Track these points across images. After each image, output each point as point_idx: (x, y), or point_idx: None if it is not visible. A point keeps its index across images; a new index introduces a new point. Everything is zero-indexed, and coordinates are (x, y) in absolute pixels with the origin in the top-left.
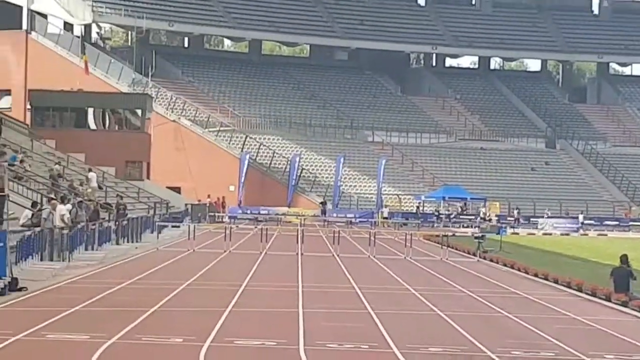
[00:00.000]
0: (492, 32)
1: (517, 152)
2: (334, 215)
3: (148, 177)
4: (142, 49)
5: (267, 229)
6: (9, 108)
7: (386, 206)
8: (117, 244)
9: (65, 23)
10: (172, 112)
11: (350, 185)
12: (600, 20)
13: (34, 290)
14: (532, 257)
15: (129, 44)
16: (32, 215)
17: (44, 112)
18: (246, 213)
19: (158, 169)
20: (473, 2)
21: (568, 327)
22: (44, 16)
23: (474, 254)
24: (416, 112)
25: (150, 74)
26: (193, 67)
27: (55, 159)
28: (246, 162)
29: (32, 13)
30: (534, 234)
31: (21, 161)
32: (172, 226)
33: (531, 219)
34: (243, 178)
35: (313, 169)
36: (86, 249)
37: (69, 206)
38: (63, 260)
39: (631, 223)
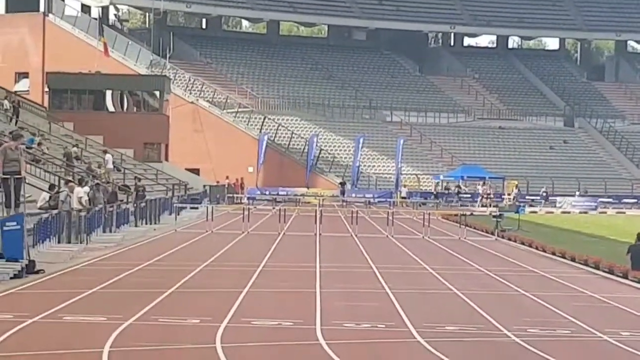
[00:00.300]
0: (510, 10)
1: (536, 130)
2: (353, 195)
3: (166, 159)
4: (159, 30)
5: (285, 209)
6: (27, 91)
7: (405, 186)
8: (136, 225)
9: (83, 5)
10: (190, 93)
11: (369, 166)
12: None
13: (51, 273)
14: (550, 236)
15: (147, 25)
16: (50, 197)
17: (62, 94)
18: (265, 194)
19: (176, 151)
20: None
21: (585, 304)
22: None
23: (492, 233)
24: (435, 91)
25: (168, 55)
26: (211, 49)
27: (73, 142)
28: (264, 143)
29: None
30: (552, 212)
31: (39, 144)
32: (191, 207)
33: (549, 198)
34: (262, 159)
35: (331, 150)
36: (104, 231)
37: (86, 188)
38: (80, 243)
39: None
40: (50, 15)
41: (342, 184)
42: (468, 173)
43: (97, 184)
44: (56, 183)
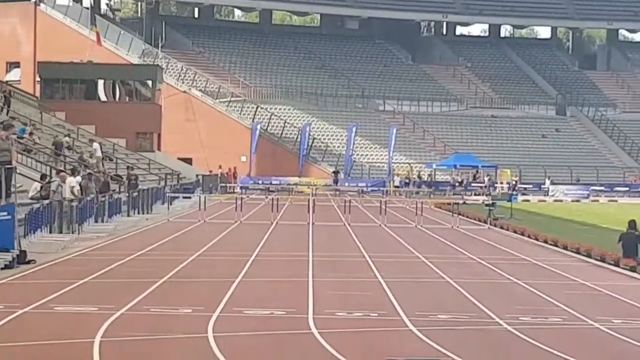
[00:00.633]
0: None
1: (528, 119)
2: (346, 184)
3: (159, 149)
4: (152, 19)
5: (278, 199)
6: (18, 80)
7: (398, 175)
8: (128, 215)
9: None
10: (183, 83)
11: (362, 155)
12: None
13: (42, 263)
14: (542, 224)
15: (139, 15)
16: (41, 187)
17: (54, 84)
18: (257, 183)
19: (169, 140)
20: None
21: (576, 292)
22: None
23: (485, 222)
24: (427, 80)
25: (160, 45)
26: (203, 38)
27: (65, 131)
28: (257, 132)
29: None
30: (544, 201)
31: (30, 133)
32: (183, 197)
33: (542, 186)
34: (254, 148)
35: (324, 139)
36: (96, 221)
37: (78, 178)
38: (72, 233)
39: None
40: (41, 4)
41: (336, 172)
42: (461, 162)
43: (90, 173)
44: (47, 173)
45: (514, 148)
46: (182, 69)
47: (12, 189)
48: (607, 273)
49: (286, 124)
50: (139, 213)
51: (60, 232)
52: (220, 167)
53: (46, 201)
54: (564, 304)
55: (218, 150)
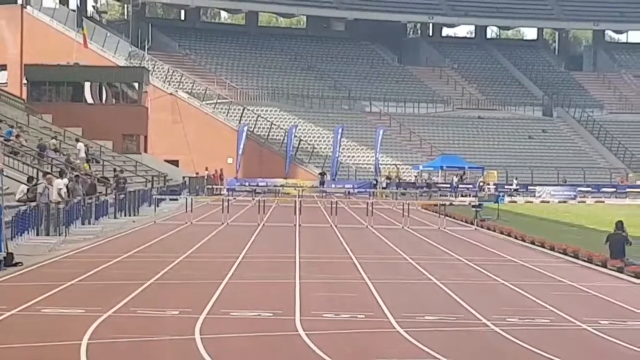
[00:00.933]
0: (488, 1)
1: (515, 120)
2: (332, 186)
3: (145, 151)
4: (138, 22)
5: (265, 200)
6: (5, 83)
7: (387, 177)
8: (115, 217)
9: None
10: (169, 85)
11: (348, 156)
12: None
13: (29, 265)
14: (529, 225)
15: (125, 17)
16: (28, 190)
17: (40, 86)
18: (244, 185)
19: (155, 142)
20: None
21: (564, 293)
22: None
23: (472, 223)
24: (413, 82)
25: (146, 47)
26: (190, 40)
27: (51, 134)
28: (244, 134)
29: None
30: (531, 202)
31: (17, 136)
32: (170, 199)
33: (529, 187)
34: (241, 150)
35: (311, 140)
36: (83, 223)
37: (65, 180)
38: (59, 235)
39: (628, 189)
40: (28, 7)
41: (322, 174)
42: (447, 163)
43: (77, 175)
44: (34, 175)
45: (500, 149)
46: (168, 71)
47: None
48: (595, 274)
49: (272, 126)
50: (125, 215)
51: (47, 234)
52: (206, 169)
53: (33, 203)
54: (551, 305)
55: (205, 152)
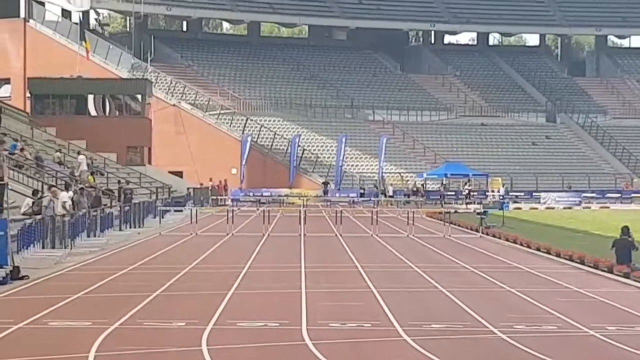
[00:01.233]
0: (490, 7)
1: (518, 127)
2: (337, 195)
3: (149, 162)
4: (140, 34)
5: (269, 210)
6: (9, 97)
7: (391, 184)
8: (120, 229)
9: (63, 10)
10: (172, 96)
11: (352, 165)
12: None
13: (35, 279)
14: (535, 232)
15: (128, 29)
16: (33, 203)
17: (44, 99)
18: (248, 195)
19: (159, 154)
20: None
21: (570, 300)
22: (42, 3)
23: (477, 230)
24: (416, 89)
25: (149, 58)
26: (192, 51)
27: (56, 147)
28: (247, 144)
29: (30, 1)
30: (536, 209)
31: (21, 149)
32: (175, 210)
33: (533, 194)
34: (245, 160)
35: (314, 150)
36: (88, 236)
37: (70, 193)
38: (65, 248)
39: (633, 195)
40: (30, 20)
41: (325, 183)
42: (451, 170)
43: (82, 188)
44: (39, 188)
45: (504, 156)
46: (171, 83)
47: (5, 205)
48: (601, 280)
49: (276, 136)
50: (130, 227)
51: (53, 247)
52: (211, 179)
53: (38, 217)
54: (558, 312)
55: (208, 163)
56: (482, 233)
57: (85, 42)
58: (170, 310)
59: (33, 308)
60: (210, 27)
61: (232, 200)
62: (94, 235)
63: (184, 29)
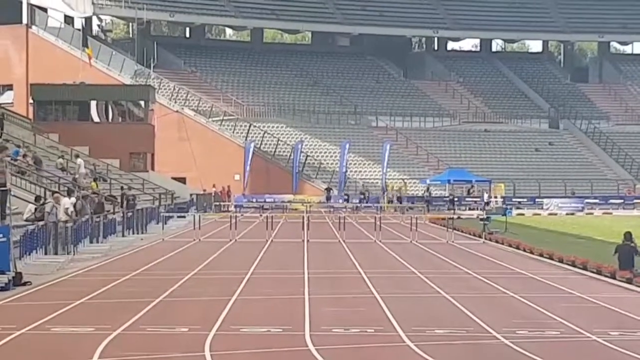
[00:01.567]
0: (493, 14)
1: (521, 133)
2: (340, 201)
3: (152, 168)
4: (143, 40)
5: (272, 216)
6: (11, 103)
7: (396, 190)
8: (123, 235)
9: (66, 16)
10: (175, 102)
11: (355, 171)
12: None
13: (38, 285)
14: (537, 237)
15: (130, 35)
16: (36, 209)
17: (46, 106)
18: (252, 201)
19: (162, 160)
20: None
21: (573, 305)
22: (44, 10)
23: (480, 236)
24: (419, 96)
25: (152, 65)
26: (195, 57)
27: (58, 153)
28: (251, 150)
29: (32, 7)
30: (539, 214)
31: (24, 155)
32: (178, 217)
33: (536, 200)
34: (248, 167)
35: (318, 156)
36: (91, 242)
37: (73, 199)
38: (67, 254)
39: (636, 201)
40: (33, 27)
41: (328, 189)
42: (454, 177)
43: (85, 195)
44: (42, 194)
45: (507, 162)
46: (174, 89)
47: (7, 211)
48: (604, 285)
49: (279, 142)
50: (133, 233)
51: (56, 253)
52: (214, 185)
53: (41, 223)
54: (560, 317)
55: (212, 169)
56: (485, 239)
57: (87, 49)
58: (173, 316)
59: (36, 314)
60: (213, 34)
61: (235, 206)
62: (97, 242)
63: (187, 35)
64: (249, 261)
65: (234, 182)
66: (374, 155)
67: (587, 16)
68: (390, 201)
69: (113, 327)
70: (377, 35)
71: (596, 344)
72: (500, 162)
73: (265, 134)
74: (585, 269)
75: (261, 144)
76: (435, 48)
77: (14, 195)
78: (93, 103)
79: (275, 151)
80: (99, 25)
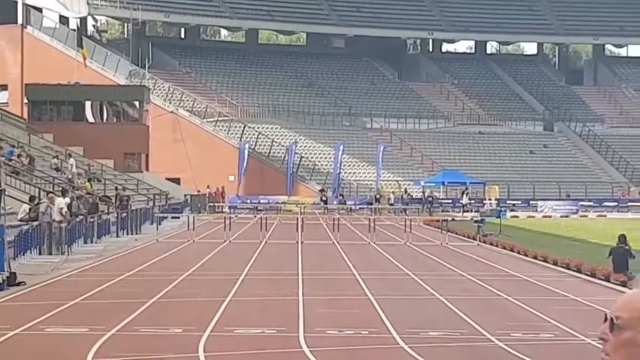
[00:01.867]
0: (488, 16)
1: (516, 135)
2: (334, 202)
3: (147, 169)
4: (138, 40)
5: (267, 218)
6: (6, 103)
7: (393, 193)
8: (117, 236)
9: (61, 16)
10: (170, 103)
11: (350, 173)
12: (594, 1)
13: (32, 285)
14: (532, 240)
15: (125, 36)
16: (30, 209)
17: (41, 106)
18: (246, 202)
19: (157, 161)
20: None
21: (567, 308)
22: (40, 10)
23: (474, 238)
24: (414, 97)
25: (147, 65)
26: (190, 58)
27: (53, 153)
28: (245, 151)
29: (28, 7)
30: (533, 217)
31: (19, 155)
32: (172, 217)
33: (530, 202)
34: (242, 168)
35: (312, 157)
36: (85, 242)
37: (67, 199)
38: (62, 254)
39: (630, 203)
40: (28, 27)
41: (322, 191)
42: (449, 179)
43: (80, 196)
44: (36, 194)
45: (501, 164)
46: (169, 90)
47: (2, 211)
48: (598, 288)
49: (274, 143)
50: (128, 234)
51: (50, 253)
52: (208, 186)
53: (35, 223)
54: (555, 320)
55: (206, 170)
56: (479, 241)
57: (82, 49)
58: (167, 317)
59: (30, 314)
60: (208, 34)
61: (230, 207)
62: (91, 242)
63: (182, 35)
64: (243, 262)
65: (229, 183)
66: (368, 156)
67: (582, 19)
68: (391, 204)
69: (107, 328)
70: (372, 37)
71: (590, 347)
72: (494, 164)
73: (260, 135)
74: (579, 271)
75: (256, 145)
76: (430, 50)
77: (8, 195)
78: (88, 103)
79: (269, 152)
80: (94, 26)
